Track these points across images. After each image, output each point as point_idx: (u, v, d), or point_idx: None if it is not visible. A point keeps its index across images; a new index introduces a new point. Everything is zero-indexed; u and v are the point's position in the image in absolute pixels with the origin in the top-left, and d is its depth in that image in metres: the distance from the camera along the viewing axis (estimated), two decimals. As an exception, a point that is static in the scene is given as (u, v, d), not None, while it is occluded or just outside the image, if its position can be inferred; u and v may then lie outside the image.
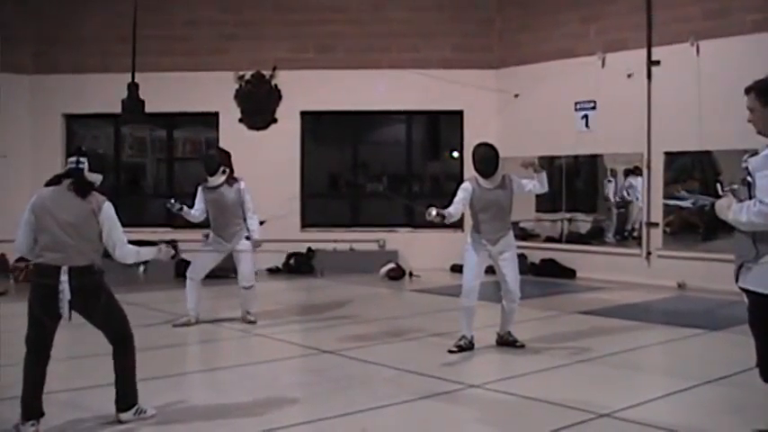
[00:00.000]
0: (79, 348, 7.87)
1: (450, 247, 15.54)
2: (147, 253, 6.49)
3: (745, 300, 4.95)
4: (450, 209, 8.06)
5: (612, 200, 14.72)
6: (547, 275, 14.69)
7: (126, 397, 5.97)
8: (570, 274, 14.72)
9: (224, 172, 9.98)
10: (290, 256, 15.62)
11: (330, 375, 7.42)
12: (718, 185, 5.72)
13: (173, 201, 10.07)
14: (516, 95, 15.58)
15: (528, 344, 8.70)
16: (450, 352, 8.25)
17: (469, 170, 8.79)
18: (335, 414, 6.16)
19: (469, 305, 8.27)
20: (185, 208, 9.97)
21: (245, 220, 10.03)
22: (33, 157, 16.26)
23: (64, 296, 5.65)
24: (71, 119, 16.85)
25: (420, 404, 6.50)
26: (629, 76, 13.80)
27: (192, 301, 10.09)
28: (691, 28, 13.06)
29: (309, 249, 15.72)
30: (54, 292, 5.64)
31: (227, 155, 10.19)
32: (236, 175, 10.12)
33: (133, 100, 13.77)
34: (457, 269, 15.29)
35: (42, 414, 5.69)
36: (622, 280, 13.62)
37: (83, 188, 5.82)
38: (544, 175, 8.48)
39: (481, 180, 8.27)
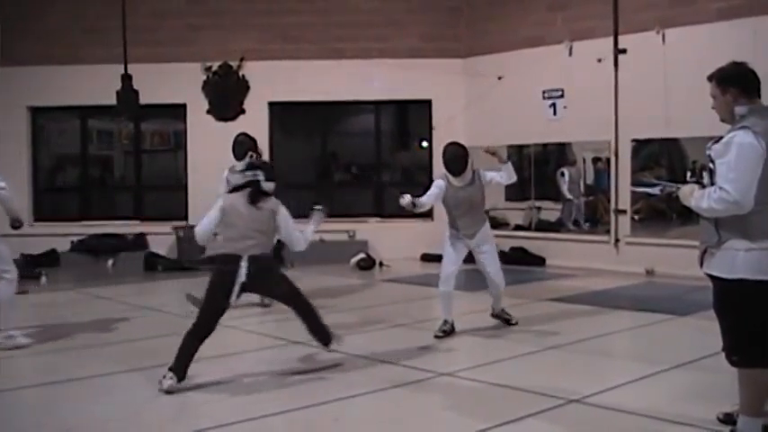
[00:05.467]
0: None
1: (419, 237, 15.56)
2: (311, 231, 7.60)
3: (711, 284, 5.02)
4: (423, 198, 8.38)
5: (567, 195, 14.78)
6: (516, 263, 14.71)
7: (322, 337, 7.30)
8: (540, 261, 14.78)
9: (251, 156, 10.07)
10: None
11: (301, 366, 7.41)
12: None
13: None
14: (500, 77, 15.43)
15: (497, 331, 8.79)
16: (437, 337, 8.48)
17: (438, 158, 8.87)
18: (307, 404, 6.17)
19: (446, 290, 8.55)
20: None
21: None
22: (-2, 150, 16.09)
23: (239, 279, 6.73)
24: (36, 111, 16.67)
25: (391, 393, 6.52)
26: (599, 60, 13.82)
27: None
28: (657, 16, 13.13)
29: (279, 240, 15.60)
30: (233, 276, 6.73)
31: (254, 140, 10.39)
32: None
33: (127, 92, 13.59)
34: (427, 258, 15.35)
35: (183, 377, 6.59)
36: (591, 267, 13.71)
37: (259, 196, 7.06)
38: (509, 165, 8.74)
39: (452, 178, 8.48)
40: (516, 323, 9.03)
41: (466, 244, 8.61)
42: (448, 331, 8.58)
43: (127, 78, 13.56)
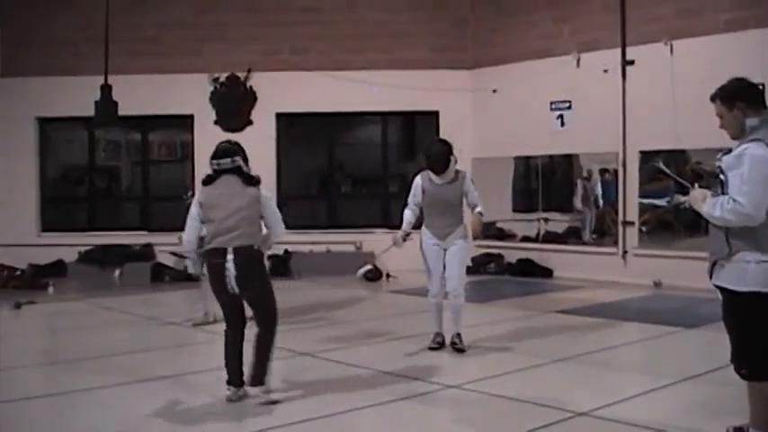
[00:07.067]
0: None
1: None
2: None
3: (719, 296, 4.99)
4: (406, 215, 8.41)
5: (578, 206, 14.77)
6: (524, 275, 14.73)
7: (259, 374, 6.48)
8: (547, 273, 14.75)
9: None
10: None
11: (307, 378, 7.38)
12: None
13: (189, 194, 10.19)
14: (495, 91, 15.52)
15: (505, 343, 8.75)
16: (432, 349, 8.37)
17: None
18: (313, 416, 6.13)
19: (438, 302, 8.41)
20: None
21: None
22: (5, 161, 16.11)
23: (230, 273, 6.37)
24: (44, 122, 16.70)
25: (398, 405, 6.48)
26: (605, 71, 13.82)
27: (208, 300, 10.07)
28: (664, 27, 13.12)
29: (286, 251, 15.65)
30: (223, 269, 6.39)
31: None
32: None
33: (106, 103, 13.63)
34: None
35: (241, 384, 6.54)
36: (599, 279, 13.66)
37: (253, 179, 6.75)
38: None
39: (433, 176, 8.32)
40: (463, 351, 8.31)
41: (438, 245, 8.34)
42: (441, 342, 8.44)
43: (106, 88, 13.58)
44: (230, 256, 6.39)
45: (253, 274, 6.49)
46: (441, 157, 8.22)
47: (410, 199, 8.48)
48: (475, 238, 8.56)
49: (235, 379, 6.57)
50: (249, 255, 6.46)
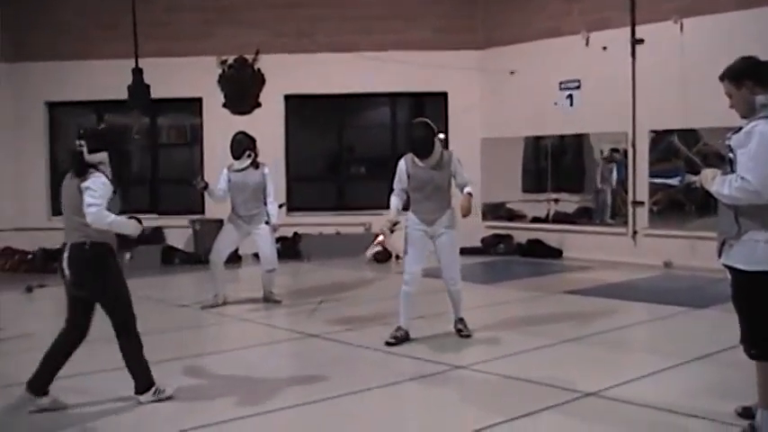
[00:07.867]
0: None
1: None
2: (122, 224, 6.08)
3: (729, 276, 4.98)
4: (392, 202, 8.06)
5: (600, 186, 14.64)
6: (533, 256, 14.71)
7: (137, 383, 6.12)
8: (557, 253, 14.72)
9: (249, 156, 10.15)
10: (275, 240, 15.56)
11: (316, 359, 7.40)
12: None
13: (199, 179, 10.30)
14: (512, 72, 15.40)
15: (514, 324, 8.74)
16: (388, 344, 7.86)
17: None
18: (321, 398, 6.14)
19: (409, 290, 7.98)
20: (210, 186, 10.12)
21: (265, 204, 10.21)
22: (15, 146, 16.12)
23: (65, 272, 5.94)
24: (53, 106, 16.71)
25: (406, 386, 6.51)
26: (603, 48, 13.80)
27: (218, 282, 10.32)
28: (674, 6, 13.01)
29: (295, 234, 15.66)
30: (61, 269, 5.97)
31: (253, 140, 10.31)
32: (259, 160, 10.34)
33: (138, 86, 13.65)
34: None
35: (39, 393, 5.97)
36: (609, 259, 13.63)
37: (80, 169, 5.91)
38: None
39: (417, 159, 7.87)
40: (469, 336, 8.19)
41: (425, 231, 7.91)
42: (401, 338, 7.92)
43: (138, 72, 13.61)
44: (65, 254, 5.98)
45: (86, 274, 5.94)
46: (424, 140, 7.73)
47: (395, 185, 8.05)
48: (464, 216, 8.09)
49: (34, 384, 5.98)
50: (79, 252, 5.91)
